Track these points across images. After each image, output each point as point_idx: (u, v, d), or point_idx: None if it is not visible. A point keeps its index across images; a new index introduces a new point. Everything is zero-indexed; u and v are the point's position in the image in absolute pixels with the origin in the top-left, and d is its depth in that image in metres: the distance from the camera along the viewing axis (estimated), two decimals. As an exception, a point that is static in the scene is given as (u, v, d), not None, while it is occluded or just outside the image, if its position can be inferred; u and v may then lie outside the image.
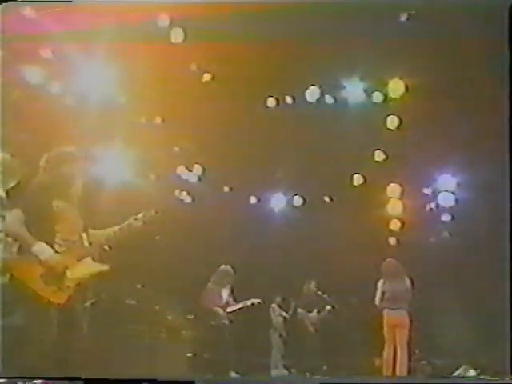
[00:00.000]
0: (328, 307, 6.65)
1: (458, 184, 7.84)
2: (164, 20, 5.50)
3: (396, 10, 6.12)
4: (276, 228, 8.16)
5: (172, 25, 5.65)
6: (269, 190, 8.55)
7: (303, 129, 7.43)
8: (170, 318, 5.77)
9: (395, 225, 8.00)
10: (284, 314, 7.36)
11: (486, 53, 5.85)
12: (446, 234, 7.98)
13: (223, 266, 6.15)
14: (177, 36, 5.72)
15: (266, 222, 8.33)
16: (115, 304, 4.70)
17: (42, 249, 2.98)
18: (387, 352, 5.50)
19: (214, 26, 5.72)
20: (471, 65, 6.20)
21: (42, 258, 2.97)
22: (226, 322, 5.82)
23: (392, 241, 8.03)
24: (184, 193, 8.45)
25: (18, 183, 4.05)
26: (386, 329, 5.54)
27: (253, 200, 8.49)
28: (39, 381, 3.09)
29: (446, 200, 7.88)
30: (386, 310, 5.55)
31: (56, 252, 3.04)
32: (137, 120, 7.29)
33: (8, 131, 5.45)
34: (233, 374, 5.70)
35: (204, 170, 8.17)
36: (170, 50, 5.95)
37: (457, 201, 7.79)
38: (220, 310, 5.89)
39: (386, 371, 5.43)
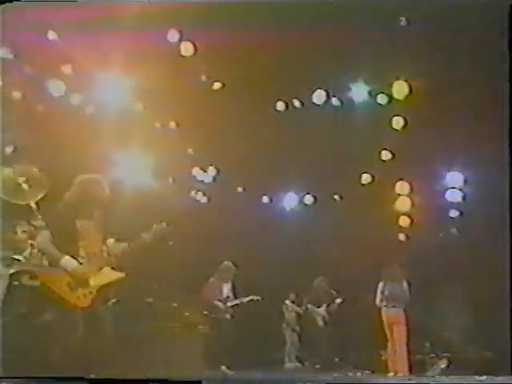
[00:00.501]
0: (338, 300, 6.92)
1: (466, 181, 8.00)
2: (174, 35, 5.83)
3: (397, 14, 6.31)
4: (288, 226, 8.46)
5: (182, 39, 5.98)
6: (280, 189, 8.84)
7: (312, 131, 7.69)
8: (186, 314, 6.12)
9: (404, 221, 8.22)
10: (298, 309, 7.67)
11: (487, 53, 5.98)
12: (454, 230, 8.16)
13: (225, 262, 6.44)
14: (187, 49, 6.06)
15: (278, 220, 8.64)
16: (135, 303, 5.10)
17: (68, 262, 3.43)
18: (390, 348, 5.79)
19: (221, 38, 6.04)
20: (473, 65, 6.33)
21: (68, 269, 3.41)
22: (228, 316, 6.11)
23: (401, 237, 8.27)
24: (200, 193, 8.83)
25: (46, 196, 4.48)
26: (385, 326, 5.83)
27: (265, 199, 8.81)
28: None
29: (453, 196, 8.06)
30: (383, 308, 5.83)
31: (80, 263, 3.47)
32: (152, 126, 7.68)
33: (35, 144, 5.89)
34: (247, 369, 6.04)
35: (218, 171, 8.52)
36: (181, 62, 6.29)
37: (464, 197, 7.97)
38: (220, 304, 6.18)
39: (391, 366, 5.72)
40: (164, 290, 6.24)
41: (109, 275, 3.55)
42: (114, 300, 4.11)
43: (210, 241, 7.91)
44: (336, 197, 8.52)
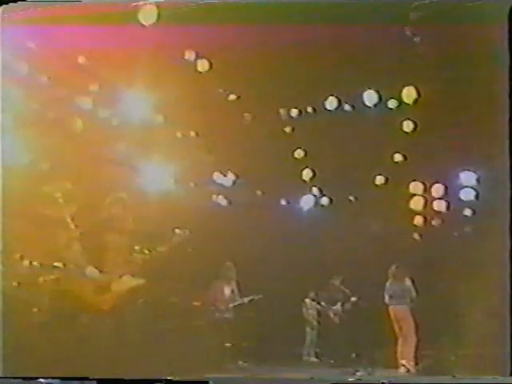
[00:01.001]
0: (353, 299, 7.24)
1: (478, 180, 8.16)
2: (191, 55, 6.28)
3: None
4: (305, 227, 8.81)
5: (198, 57, 6.44)
6: (298, 191, 9.19)
7: (326, 135, 8.03)
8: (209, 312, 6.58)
9: (418, 221, 8.45)
10: (317, 306, 8.01)
11: (487, 54, 6.10)
12: (468, 229, 8.33)
13: (228, 263, 6.73)
14: (203, 66, 6.50)
15: (295, 221, 8.99)
16: (159, 303, 5.57)
17: (92, 271, 3.94)
18: (399, 344, 6.09)
19: (235, 54, 6.46)
20: (474, 66, 6.49)
21: (92, 277, 3.93)
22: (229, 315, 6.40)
23: (416, 236, 8.50)
24: (220, 197, 9.29)
25: (80, 209, 5.02)
26: (394, 323, 6.14)
27: (283, 201, 9.18)
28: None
29: (467, 195, 8.23)
30: (391, 306, 6.13)
31: (102, 272, 3.98)
32: (174, 135, 8.18)
33: (69, 160, 6.41)
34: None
35: (237, 176, 8.95)
36: (198, 77, 6.74)
37: (477, 196, 8.13)
38: (222, 305, 6.49)
39: (399, 362, 6.01)
40: (187, 290, 6.71)
41: (128, 282, 4.05)
42: (139, 301, 4.57)
43: (228, 241, 8.33)
44: (351, 198, 8.82)
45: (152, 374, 4.04)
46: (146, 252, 4.12)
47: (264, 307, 7.55)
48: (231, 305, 6.53)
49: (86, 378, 3.72)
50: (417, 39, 6.51)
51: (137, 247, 4.22)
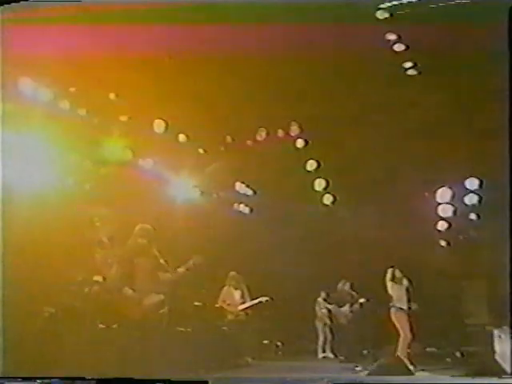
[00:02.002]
0: (361, 300, 7.83)
1: (481, 185, 8.63)
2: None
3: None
4: (318, 232, 9.49)
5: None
6: (311, 200, 9.85)
7: (334, 149, 8.69)
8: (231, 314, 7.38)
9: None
10: (329, 306, 8.70)
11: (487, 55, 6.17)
12: (472, 232, 8.83)
13: (231, 273, 7.48)
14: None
15: (311, 227, 9.68)
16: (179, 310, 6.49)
17: (126, 291, 4.88)
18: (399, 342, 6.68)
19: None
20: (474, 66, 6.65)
21: (126, 295, 4.89)
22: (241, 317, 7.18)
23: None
24: (242, 205, 10.12)
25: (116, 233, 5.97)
26: (394, 323, 6.75)
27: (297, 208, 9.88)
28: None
29: (471, 200, 8.73)
30: (392, 308, 6.73)
31: (133, 290, 4.92)
32: (196, 152, 9.05)
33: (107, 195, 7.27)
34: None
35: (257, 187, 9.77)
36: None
37: (480, 201, 8.62)
38: (233, 308, 7.31)
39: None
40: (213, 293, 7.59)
41: (155, 297, 5.01)
42: (163, 310, 5.41)
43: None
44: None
45: (174, 371, 4.92)
46: (169, 274, 5.12)
47: (279, 306, 8.37)
48: (240, 307, 7.34)
49: (84, 378, 4.20)
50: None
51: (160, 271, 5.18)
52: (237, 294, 7.36)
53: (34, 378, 4.31)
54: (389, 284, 6.78)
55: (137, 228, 5.18)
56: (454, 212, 8.93)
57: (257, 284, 7.77)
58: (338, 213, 9.46)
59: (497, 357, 6.08)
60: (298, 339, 8.62)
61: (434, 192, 8.95)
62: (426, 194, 9.00)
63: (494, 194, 8.41)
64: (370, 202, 9.06)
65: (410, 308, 6.69)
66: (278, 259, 8.80)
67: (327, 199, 9.48)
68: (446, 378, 6.09)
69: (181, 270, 5.10)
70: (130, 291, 4.92)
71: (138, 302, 4.90)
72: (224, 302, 7.35)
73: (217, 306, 7.25)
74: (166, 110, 7.85)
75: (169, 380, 4.42)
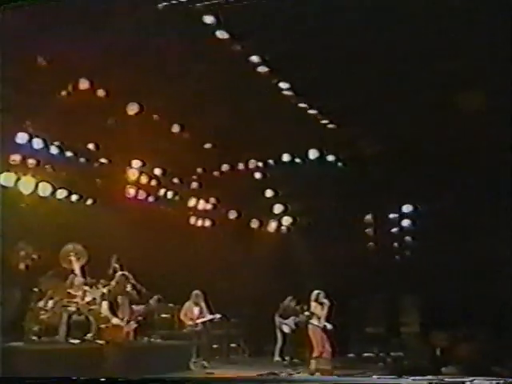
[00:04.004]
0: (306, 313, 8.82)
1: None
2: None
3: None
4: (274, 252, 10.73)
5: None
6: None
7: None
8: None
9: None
10: (284, 321, 9.73)
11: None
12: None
13: (195, 291, 8.51)
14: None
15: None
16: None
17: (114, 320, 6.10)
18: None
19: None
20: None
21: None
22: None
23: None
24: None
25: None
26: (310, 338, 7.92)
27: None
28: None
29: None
30: (309, 325, 7.84)
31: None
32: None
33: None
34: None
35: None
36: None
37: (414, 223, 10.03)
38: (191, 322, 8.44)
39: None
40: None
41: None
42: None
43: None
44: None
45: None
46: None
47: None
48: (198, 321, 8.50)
49: (78, 379, 4.45)
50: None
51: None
52: (196, 310, 8.46)
53: (34, 378, 4.51)
54: (312, 304, 7.87)
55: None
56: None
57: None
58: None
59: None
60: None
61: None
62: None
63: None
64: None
65: (325, 326, 7.70)
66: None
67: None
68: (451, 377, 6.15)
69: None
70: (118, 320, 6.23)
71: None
72: (185, 315, 8.48)
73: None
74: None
75: (163, 379, 4.88)
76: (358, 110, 7.91)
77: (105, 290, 6.56)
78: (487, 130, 7.63)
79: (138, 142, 8.59)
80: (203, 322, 8.49)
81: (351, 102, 7.71)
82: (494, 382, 4.55)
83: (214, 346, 9.11)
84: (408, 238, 10.44)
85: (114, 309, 6.42)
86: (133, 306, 6.74)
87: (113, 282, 6.76)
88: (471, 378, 4.72)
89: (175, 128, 8.65)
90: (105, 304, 6.49)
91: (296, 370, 8.02)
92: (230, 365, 8.73)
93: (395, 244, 10.57)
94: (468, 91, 7.11)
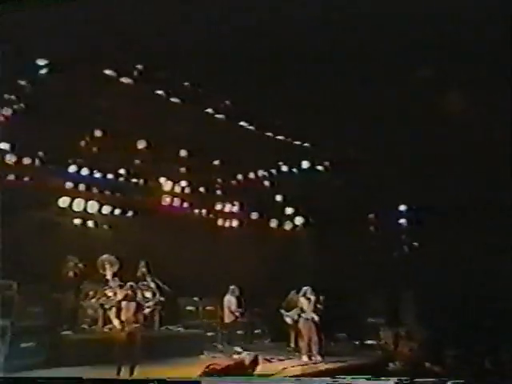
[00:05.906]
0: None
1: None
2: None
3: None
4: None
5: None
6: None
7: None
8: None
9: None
10: (287, 313, 10.44)
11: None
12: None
13: (232, 286, 10.26)
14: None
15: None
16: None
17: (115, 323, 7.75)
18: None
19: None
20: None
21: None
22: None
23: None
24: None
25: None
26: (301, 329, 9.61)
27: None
28: None
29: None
30: (300, 318, 9.48)
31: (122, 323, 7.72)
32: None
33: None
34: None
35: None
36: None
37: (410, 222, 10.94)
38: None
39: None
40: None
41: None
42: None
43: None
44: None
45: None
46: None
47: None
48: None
49: (81, 379, 4.63)
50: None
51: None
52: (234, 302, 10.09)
53: (34, 378, 4.63)
54: (301, 299, 9.40)
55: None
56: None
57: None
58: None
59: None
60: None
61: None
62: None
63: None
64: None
65: (313, 318, 9.23)
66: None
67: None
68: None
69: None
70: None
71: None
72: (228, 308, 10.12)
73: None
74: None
75: (164, 380, 4.81)
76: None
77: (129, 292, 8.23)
78: (487, 129, 8.21)
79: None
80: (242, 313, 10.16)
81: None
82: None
83: (239, 332, 10.73)
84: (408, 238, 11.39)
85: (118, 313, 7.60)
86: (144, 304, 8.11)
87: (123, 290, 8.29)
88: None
89: (182, 153, 10.86)
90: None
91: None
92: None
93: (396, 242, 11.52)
94: (468, 91, 7.52)
